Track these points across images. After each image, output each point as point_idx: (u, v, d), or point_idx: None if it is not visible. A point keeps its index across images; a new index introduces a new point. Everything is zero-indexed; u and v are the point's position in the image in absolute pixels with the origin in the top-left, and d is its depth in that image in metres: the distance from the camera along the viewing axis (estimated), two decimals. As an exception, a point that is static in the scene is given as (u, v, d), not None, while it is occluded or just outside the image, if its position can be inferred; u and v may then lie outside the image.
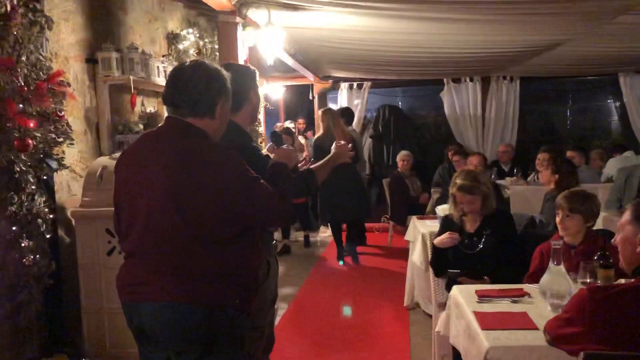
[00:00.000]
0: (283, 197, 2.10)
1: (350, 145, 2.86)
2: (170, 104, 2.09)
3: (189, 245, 1.96)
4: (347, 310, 4.50)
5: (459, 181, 3.37)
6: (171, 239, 1.96)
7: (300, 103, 10.52)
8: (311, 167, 2.60)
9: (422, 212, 6.67)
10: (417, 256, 4.41)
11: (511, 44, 5.85)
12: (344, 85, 9.09)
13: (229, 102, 2.16)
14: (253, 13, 4.53)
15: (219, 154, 2.02)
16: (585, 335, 1.79)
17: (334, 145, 2.73)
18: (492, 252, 3.32)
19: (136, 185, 2.04)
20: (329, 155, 2.67)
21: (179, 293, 1.95)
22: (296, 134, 8.01)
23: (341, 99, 9.11)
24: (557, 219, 2.95)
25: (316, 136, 6.83)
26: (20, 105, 2.98)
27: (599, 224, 3.22)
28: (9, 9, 2.91)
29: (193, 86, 2.03)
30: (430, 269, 3.72)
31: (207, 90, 2.05)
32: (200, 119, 2.06)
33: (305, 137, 8.68)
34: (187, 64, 2.17)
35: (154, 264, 1.99)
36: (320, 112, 7.01)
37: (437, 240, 3.47)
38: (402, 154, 7.86)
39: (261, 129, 7.31)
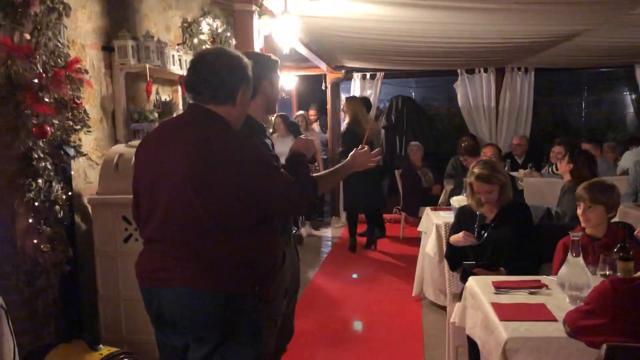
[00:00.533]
0: (304, 186, 2.11)
1: (372, 143, 2.74)
2: (191, 90, 2.09)
3: (210, 232, 1.97)
4: (357, 325, 4.50)
5: (477, 170, 3.34)
6: (192, 226, 1.97)
7: (312, 93, 10.49)
8: (319, 174, 2.46)
9: (435, 203, 6.66)
10: (430, 247, 4.41)
11: (528, 34, 5.79)
12: (356, 76, 9.05)
13: (250, 90, 2.16)
14: (269, 1, 4.53)
15: (239, 142, 2.02)
16: (608, 327, 1.78)
17: (353, 151, 2.52)
18: (508, 243, 3.30)
19: (157, 172, 2.04)
20: (345, 162, 2.52)
21: (200, 279, 1.97)
22: (306, 124, 7.97)
23: (354, 89, 9.07)
24: (579, 211, 2.92)
25: (345, 124, 6.83)
26: (39, 93, 2.99)
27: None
28: (27, -5, 2.92)
29: (215, 73, 2.03)
30: (445, 262, 3.70)
31: (229, 77, 2.05)
32: (222, 106, 2.06)
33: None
34: (209, 50, 2.18)
35: (174, 251, 2.00)
36: (345, 99, 7.04)
37: (452, 239, 3.45)
38: (412, 145, 7.88)
39: (274, 117, 7.34)
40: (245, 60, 2.13)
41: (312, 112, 9.53)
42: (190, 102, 2.14)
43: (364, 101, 7.42)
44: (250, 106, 2.23)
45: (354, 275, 6.14)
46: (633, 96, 10.40)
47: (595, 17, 4.85)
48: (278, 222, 2.26)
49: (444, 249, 3.73)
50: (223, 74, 2.04)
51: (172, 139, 2.05)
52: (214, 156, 1.95)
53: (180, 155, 1.98)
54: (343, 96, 9.13)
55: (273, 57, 2.60)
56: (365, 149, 2.54)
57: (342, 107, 7.05)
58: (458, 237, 3.38)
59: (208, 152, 1.96)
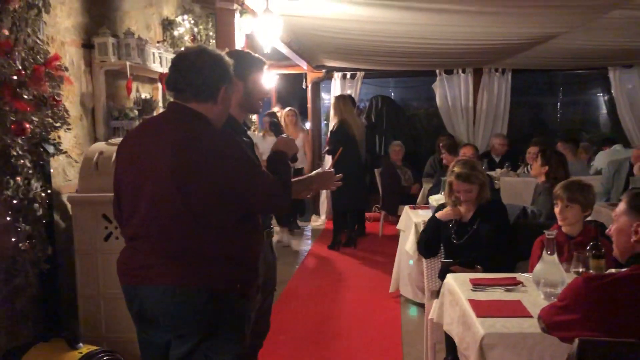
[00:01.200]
0: (284, 184, 2.14)
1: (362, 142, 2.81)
2: (173, 88, 2.10)
3: (193, 229, 1.98)
4: (336, 323, 4.53)
5: (457, 169, 3.40)
6: (175, 223, 1.98)
7: (293, 92, 10.49)
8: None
9: (413, 202, 6.73)
10: (409, 245, 4.46)
11: (505, 36, 5.88)
12: (337, 75, 9.08)
13: (232, 89, 2.17)
14: (251, 0, 4.52)
15: (221, 140, 2.04)
16: (580, 322, 1.84)
17: (320, 170, 2.70)
18: (485, 241, 3.37)
19: (139, 170, 2.05)
20: (309, 176, 2.65)
21: (182, 276, 1.98)
22: (296, 120, 7.94)
23: (334, 89, 9.11)
24: (556, 209, 3.00)
25: (334, 124, 6.85)
26: (17, 89, 2.96)
27: (586, 215, 3.28)
28: (6, -9, 2.89)
29: (197, 71, 2.05)
30: (424, 260, 3.75)
31: (211, 75, 2.06)
32: (203, 104, 2.08)
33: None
34: (191, 49, 2.19)
35: (157, 248, 2.02)
36: (334, 98, 7.06)
37: (439, 214, 3.50)
38: (394, 144, 7.92)
39: (254, 116, 7.34)
40: (227, 59, 2.14)
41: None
42: (171, 100, 2.15)
43: (351, 100, 7.48)
44: (231, 103, 2.24)
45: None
46: (606, 97, 10.61)
47: (571, 21, 4.95)
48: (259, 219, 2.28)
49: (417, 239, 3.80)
50: (205, 72, 2.05)
51: (154, 138, 2.05)
52: (196, 154, 1.96)
53: (162, 153, 1.99)
54: (324, 95, 9.16)
55: (256, 56, 2.61)
56: (331, 171, 2.66)
57: (331, 105, 7.05)
58: (445, 211, 3.45)
59: (190, 150, 1.97)
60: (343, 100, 6.95)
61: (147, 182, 2.01)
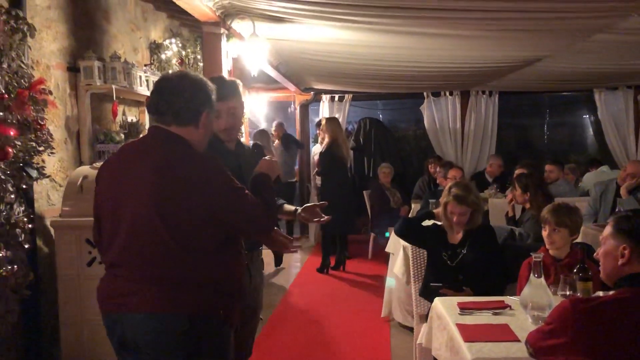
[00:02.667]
0: (267, 207, 2.12)
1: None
2: (154, 112, 2.09)
3: (173, 254, 1.95)
4: (325, 346, 4.48)
5: (454, 190, 3.39)
6: (155, 248, 1.95)
7: (283, 116, 10.51)
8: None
9: (402, 224, 6.70)
10: (398, 268, 4.43)
11: (491, 60, 5.95)
12: (325, 97, 9.13)
13: (214, 114, 2.17)
14: (237, 24, 4.55)
15: (202, 164, 2.02)
16: (568, 346, 1.81)
17: (307, 205, 2.71)
18: (474, 264, 3.35)
19: (119, 195, 2.02)
20: (292, 209, 2.70)
21: (163, 302, 1.95)
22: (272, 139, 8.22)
23: (322, 111, 9.15)
24: (544, 233, 2.99)
25: (324, 145, 6.86)
26: (1, 113, 2.95)
27: (574, 237, 3.27)
28: (-9, 16, 2.89)
29: (178, 94, 2.03)
30: (412, 283, 3.73)
31: (192, 99, 2.05)
32: (184, 127, 2.05)
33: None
34: (173, 73, 2.20)
35: (137, 274, 1.98)
36: (325, 120, 7.09)
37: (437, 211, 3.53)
38: (383, 166, 7.93)
39: (243, 139, 7.33)
40: (210, 84, 2.14)
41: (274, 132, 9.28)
42: (153, 124, 2.13)
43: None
44: (212, 128, 2.23)
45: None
46: (592, 119, 10.72)
47: (556, 45, 5.02)
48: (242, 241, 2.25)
49: (411, 270, 3.76)
50: (186, 96, 2.03)
51: (134, 163, 2.03)
52: (177, 179, 1.94)
53: (142, 178, 1.97)
54: (317, 118, 9.16)
55: (230, 81, 2.65)
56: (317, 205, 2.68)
57: (321, 127, 7.07)
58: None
59: (171, 175, 1.95)
60: (333, 123, 6.98)
61: (127, 207, 1.99)
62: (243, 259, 2.21)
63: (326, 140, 6.85)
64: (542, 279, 2.42)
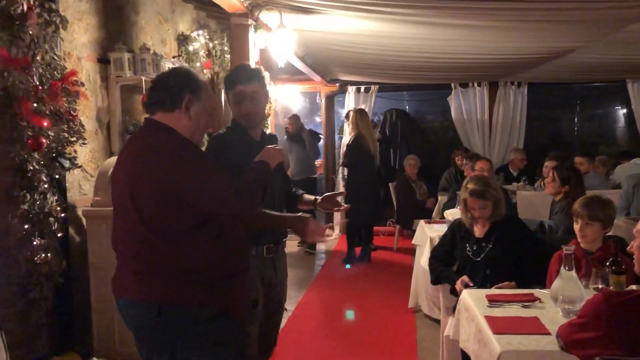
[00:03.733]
0: (241, 189, 2.03)
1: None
2: (144, 105, 2.22)
3: (146, 239, 1.97)
4: (349, 314, 4.51)
5: (470, 186, 3.35)
6: (130, 231, 2.01)
7: (309, 107, 10.53)
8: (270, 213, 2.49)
9: (429, 216, 6.69)
10: (424, 260, 4.41)
11: (521, 51, 5.85)
12: (351, 89, 9.10)
13: (202, 103, 2.11)
14: (265, 15, 4.56)
15: (174, 144, 2.01)
16: (601, 340, 1.79)
17: (309, 218, 2.51)
18: (500, 259, 3.30)
19: (113, 187, 2.12)
20: (294, 218, 2.53)
21: (135, 289, 2.00)
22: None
23: (348, 102, 9.12)
24: (576, 227, 2.92)
25: (351, 137, 6.84)
26: (35, 105, 3.00)
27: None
28: (25, 9, 2.94)
29: (163, 85, 2.09)
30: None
31: (172, 83, 2.08)
32: (168, 114, 2.07)
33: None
34: (166, 71, 2.31)
35: (122, 259, 2.07)
36: (353, 111, 7.06)
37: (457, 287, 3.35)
38: (409, 158, 7.88)
39: (269, 131, 7.35)
40: (198, 75, 2.18)
41: (287, 120, 9.14)
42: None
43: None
44: (206, 121, 2.17)
45: (347, 266, 6.37)
46: (624, 110, 10.49)
47: (589, 35, 4.91)
48: (239, 229, 2.17)
49: (429, 256, 3.72)
50: (169, 82, 2.09)
51: (124, 151, 2.14)
52: (146, 160, 1.98)
53: (122, 165, 2.07)
54: (342, 109, 9.11)
55: (254, 67, 2.69)
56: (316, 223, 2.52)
57: (349, 118, 7.04)
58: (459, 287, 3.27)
59: (142, 158, 2.00)
60: (360, 114, 6.96)
61: (114, 195, 2.08)
62: (231, 244, 2.11)
63: (353, 132, 6.83)
64: (574, 272, 2.38)
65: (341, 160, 7.61)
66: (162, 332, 1.99)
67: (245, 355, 2.26)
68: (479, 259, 3.33)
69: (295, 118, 7.97)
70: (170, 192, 1.94)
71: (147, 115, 2.16)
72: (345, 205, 2.68)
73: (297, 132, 7.79)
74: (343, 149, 7.84)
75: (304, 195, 2.82)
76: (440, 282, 3.50)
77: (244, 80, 2.58)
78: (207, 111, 2.15)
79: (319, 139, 8.22)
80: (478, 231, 3.41)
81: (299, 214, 2.57)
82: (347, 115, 7.90)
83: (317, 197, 2.77)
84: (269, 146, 2.32)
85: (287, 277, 2.84)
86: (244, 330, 2.32)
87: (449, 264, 3.48)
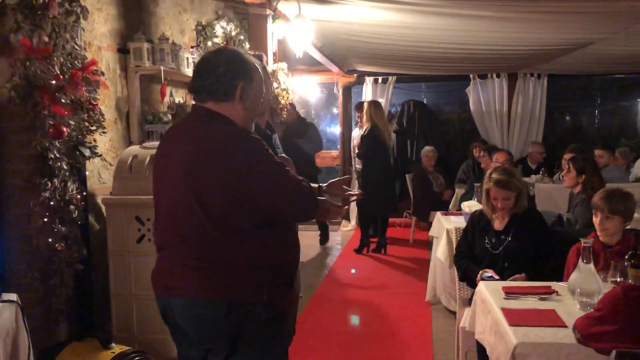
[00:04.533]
0: (309, 189, 2.00)
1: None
2: (192, 91, 2.04)
3: (211, 236, 1.88)
4: (366, 329, 4.48)
5: (495, 176, 3.32)
6: (192, 230, 1.90)
7: (326, 97, 10.50)
8: None
9: (445, 208, 6.66)
10: (441, 252, 4.41)
11: (540, 42, 5.78)
12: (368, 80, 9.07)
13: (252, 88, 2.02)
14: (283, 5, 4.56)
15: (239, 138, 1.91)
16: (618, 333, 1.78)
17: (327, 185, 2.46)
18: (519, 252, 3.28)
19: (160, 178, 2.02)
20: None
21: (202, 288, 1.90)
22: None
23: (366, 93, 9.09)
24: (596, 220, 2.89)
25: (367, 128, 6.82)
26: (56, 94, 3.04)
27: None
28: (47, -1, 2.97)
29: (213, 71, 1.97)
30: (455, 267, 3.69)
31: (225, 72, 1.96)
32: (221, 103, 1.98)
33: None
34: (211, 51, 2.13)
35: (178, 257, 1.95)
36: (367, 103, 7.02)
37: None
38: (427, 150, 7.84)
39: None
40: (247, 57, 2.05)
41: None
42: (193, 104, 2.11)
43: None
44: (258, 106, 2.10)
45: (352, 271, 6.29)
46: (646, 103, 10.32)
47: (611, 27, 4.84)
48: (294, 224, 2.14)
49: (454, 253, 3.71)
50: (219, 70, 1.96)
51: (174, 140, 2.02)
52: (211, 153, 1.87)
53: (179, 155, 1.93)
54: (359, 100, 9.05)
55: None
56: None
57: (364, 109, 6.98)
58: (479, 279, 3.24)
59: (205, 150, 1.88)
60: (375, 105, 6.93)
61: (165, 189, 1.97)
62: (293, 241, 2.08)
63: (367, 123, 6.82)
64: (592, 265, 2.36)
65: (356, 152, 7.57)
66: (226, 330, 1.91)
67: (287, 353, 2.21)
68: (497, 251, 3.32)
69: (291, 107, 7.26)
70: (242, 191, 1.85)
71: (196, 103, 2.03)
72: (357, 191, 2.62)
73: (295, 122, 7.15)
74: (355, 141, 7.81)
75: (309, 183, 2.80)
76: (468, 278, 3.47)
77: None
78: (261, 96, 2.07)
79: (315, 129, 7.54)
80: (498, 223, 3.39)
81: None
82: (357, 107, 7.85)
83: (321, 184, 2.74)
84: (330, 202, 2.19)
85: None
86: (292, 327, 2.31)
87: (474, 256, 3.46)
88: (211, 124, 1.94)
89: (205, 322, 1.91)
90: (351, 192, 2.48)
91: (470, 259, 3.44)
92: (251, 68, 2.02)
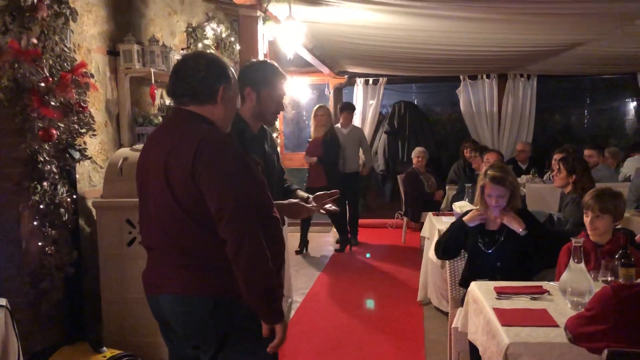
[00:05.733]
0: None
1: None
2: (172, 94, 2.06)
3: (191, 230, 1.91)
4: (369, 303, 4.52)
5: (490, 172, 3.31)
6: (174, 226, 1.93)
7: (317, 99, 10.51)
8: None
9: (437, 209, 6.67)
10: (432, 253, 4.41)
11: (530, 43, 5.81)
12: (359, 81, 9.08)
13: (232, 90, 2.08)
14: (274, 7, 4.56)
15: (212, 135, 1.93)
16: (609, 333, 1.79)
17: (313, 198, 2.68)
18: (512, 252, 3.29)
19: (144, 179, 2.04)
20: (286, 202, 2.57)
21: (187, 285, 1.93)
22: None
23: (356, 95, 9.10)
24: (586, 220, 2.91)
25: (324, 132, 6.84)
26: (45, 96, 3.02)
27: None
28: (35, 0, 2.95)
29: (193, 74, 2.00)
30: (447, 267, 3.69)
31: (207, 76, 2.01)
32: (203, 106, 2.02)
33: None
34: (189, 54, 2.17)
35: (165, 256, 1.98)
36: (320, 107, 7.00)
37: (467, 217, 3.40)
38: (418, 151, 7.86)
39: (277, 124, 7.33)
40: (224, 60, 2.11)
41: None
42: (173, 106, 2.12)
43: (350, 106, 7.72)
44: (235, 106, 2.17)
45: (368, 255, 6.45)
46: (635, 103, 10.41)
47: (599, 28, 4.87)
48: (279, 222, 2.12)
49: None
50: (202, 74, 2.00)
51: (154, 142, 2.05)
52: (185, 146, 1.89)
53: (158, 154, 1.96)
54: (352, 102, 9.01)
55: (275, 68, 2.66)
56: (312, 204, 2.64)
57: (320, 113, 6.94)
58: (472, 214, 3.35)
59: (179, 145, 1.91)
60: (327, 111, 7.01)
61: (149, 190, 2.00)
62: (278, 237, 2.08)
63: (323, 127, 6.85)
64: (582, 265, 2.38)
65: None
66: (214, 326, 1.94)
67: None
68: (490, 251, 3.32)
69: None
70: (197, 185, 1.86)
71: (175, 106, 2.06)
72: (334, 208, 2.69)
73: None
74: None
75: (298, 190, 2.83)
76: (449, 250, 3.48)
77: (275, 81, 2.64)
78: (237, 96, 2.15)
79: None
80: (490, 224, 3.39)
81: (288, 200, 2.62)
82: (342, 108, 7.74)
83: (309, 195, 2.77)
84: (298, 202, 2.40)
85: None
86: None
87: (454, 252, 3.48)
88: (192, 125, 1.97)
89: (193, 319, 1.94)
90: (327, 208, 2.67)
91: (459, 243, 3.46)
92: (229, 70, 2.08)
